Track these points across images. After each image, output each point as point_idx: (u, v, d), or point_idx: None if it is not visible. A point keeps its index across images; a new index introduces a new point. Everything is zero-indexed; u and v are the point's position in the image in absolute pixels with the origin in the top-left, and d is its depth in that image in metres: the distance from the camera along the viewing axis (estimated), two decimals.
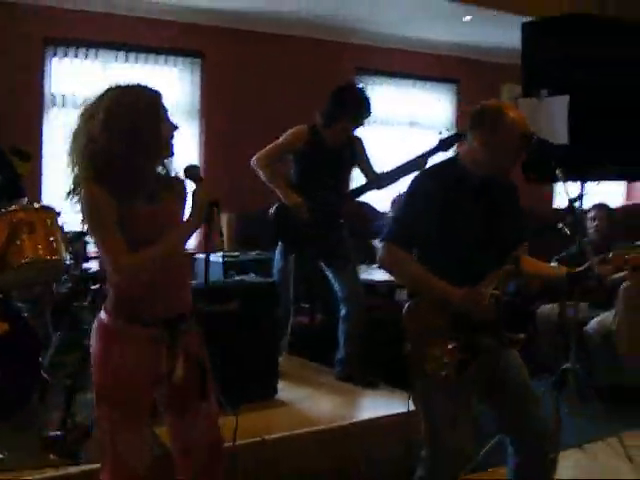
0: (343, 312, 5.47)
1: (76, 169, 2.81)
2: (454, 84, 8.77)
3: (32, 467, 3.81)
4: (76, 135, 2.83)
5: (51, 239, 4.29)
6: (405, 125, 8.44)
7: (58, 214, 4.41)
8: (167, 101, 2.88)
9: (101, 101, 2.79)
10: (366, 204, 7.49)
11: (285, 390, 5.02)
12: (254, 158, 5.23)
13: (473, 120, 3.54)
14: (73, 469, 3.84)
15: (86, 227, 2.81)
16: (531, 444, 3.61)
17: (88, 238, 4.59)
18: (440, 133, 5.14)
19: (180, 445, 3.11)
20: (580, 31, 4.66)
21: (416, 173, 3.72)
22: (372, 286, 6.22)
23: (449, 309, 3.43)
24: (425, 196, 3.50)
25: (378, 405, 4.99)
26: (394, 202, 6.67)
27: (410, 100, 8.48)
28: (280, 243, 5.40)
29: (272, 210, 5.30)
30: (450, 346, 3.45)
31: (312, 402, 4.98)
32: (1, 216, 4.20)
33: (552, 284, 3.98)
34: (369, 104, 5.26)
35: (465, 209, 3.49)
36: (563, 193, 3.83)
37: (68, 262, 4.46)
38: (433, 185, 3.52)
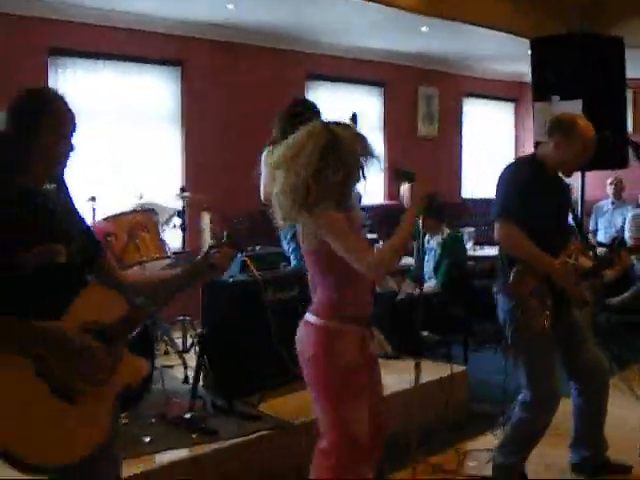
0: None
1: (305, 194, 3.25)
2: (382, 87, 9.58)
3: (181, 446, 4.21)
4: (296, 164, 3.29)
5: (160, 237, 4.73)
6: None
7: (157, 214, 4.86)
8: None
9: (324, 141, 3.26)
10: None
11: None
12: (263, 197, 5.43)
13: (551, 127, 4.37)
14: (216, 445, 4.25)
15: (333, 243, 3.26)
16: (593, 385, 4.52)
17: None
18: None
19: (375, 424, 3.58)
20: (580, 47, 5.58)
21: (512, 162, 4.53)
22: None
23: (547, 275, 4.23)
24: (521, 183, 4.27)
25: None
26: None
27: (347, 101, 9.20)
28: None
29: None
30: (548, 302, 4.26)
31: None
32: (120, 217, 4.61)
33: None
34: (320, 113, 5.88)
35: (546, 196, 4.29)
36: None
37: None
38: (525, 175, 4.31)
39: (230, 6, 6.86)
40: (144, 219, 4.64)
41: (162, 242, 4.74)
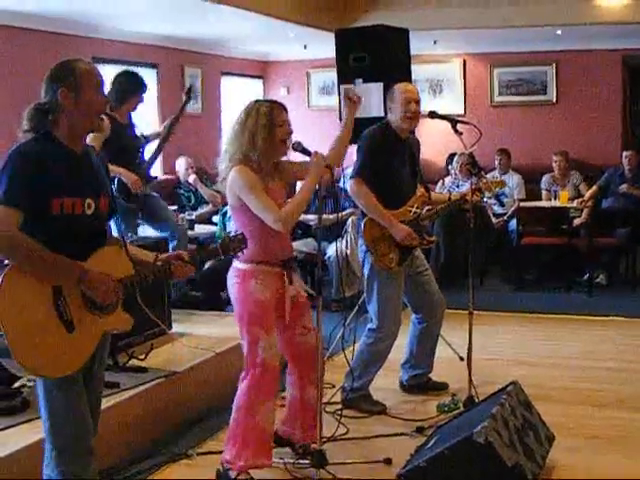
0: None
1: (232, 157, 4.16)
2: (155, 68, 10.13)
3: None
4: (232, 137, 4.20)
5: None
6: None
7: None
8: None
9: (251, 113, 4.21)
10: None
11: None
12: None
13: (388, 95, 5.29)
14: (117, 397, 4.80)
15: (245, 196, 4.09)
16: (434, 315, 5.50)
17: None
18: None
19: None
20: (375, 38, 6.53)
21: (367, 130, 5.29)
22: None
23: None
24: (372, 147, 5.17)
25: None
26: None
27: None
28: None
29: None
30: (394, 246, 5.19)
31: None
32: None
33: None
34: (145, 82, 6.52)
35: (397, 155, 5.22)
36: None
37: None
38: (374, 140, 5.21)
39: None
40: None
41: None
